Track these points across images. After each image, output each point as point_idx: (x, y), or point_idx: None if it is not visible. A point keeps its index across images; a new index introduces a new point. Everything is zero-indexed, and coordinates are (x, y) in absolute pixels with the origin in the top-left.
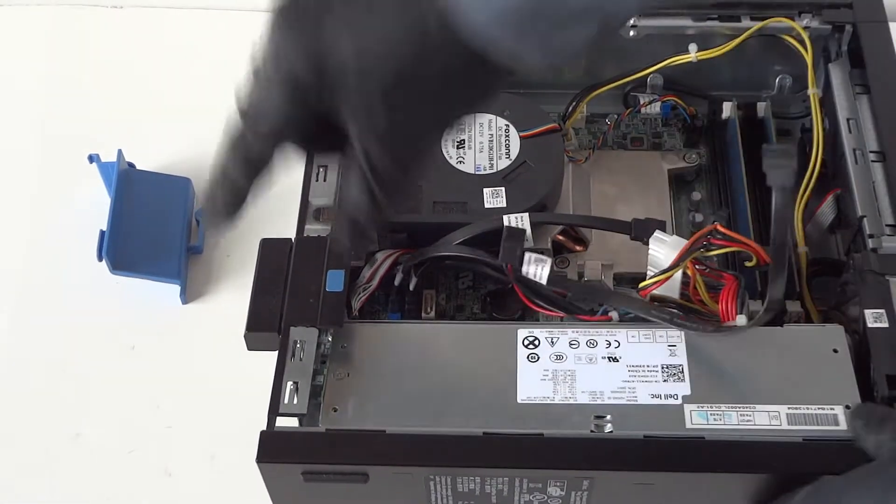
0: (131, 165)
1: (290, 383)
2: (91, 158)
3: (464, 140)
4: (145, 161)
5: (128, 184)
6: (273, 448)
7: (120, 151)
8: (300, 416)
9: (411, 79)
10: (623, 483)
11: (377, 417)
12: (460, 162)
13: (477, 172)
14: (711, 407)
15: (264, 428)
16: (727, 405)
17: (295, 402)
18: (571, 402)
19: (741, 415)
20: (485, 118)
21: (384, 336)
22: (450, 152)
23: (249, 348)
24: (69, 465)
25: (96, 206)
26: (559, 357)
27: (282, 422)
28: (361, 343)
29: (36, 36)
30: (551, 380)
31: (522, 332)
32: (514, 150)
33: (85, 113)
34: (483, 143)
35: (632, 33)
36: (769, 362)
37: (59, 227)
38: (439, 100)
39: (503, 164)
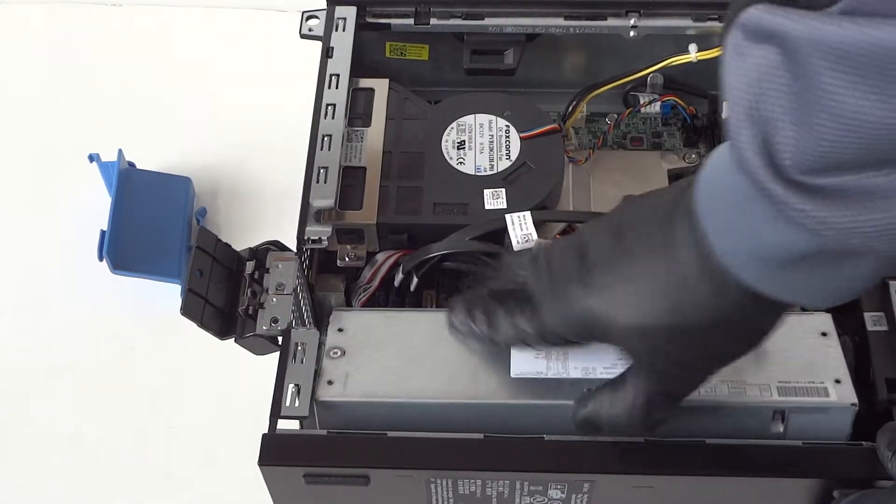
0: (131, 165)
1: (291, 386)
2: (91, 158)
3: (464, 141)
4: (145, 160)
5: (128, 183)
6: (275, 451)
7: (120, 151)
8: (301, 419)
9: (687, 331)
10: (623, 486)
11: (370, 388)
12: (461, 163)
13: (477, 173)
14: None
15: (265, 430)
16: (718, 379)
17: (296, 404)
18: (564, 376)
19: (732, 387)
20: (485, 119)
21: (380, 321)
22: (450, 153)
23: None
24: (69, 465)
25: (96, 206)
26: None
27: (283, 424)
28: (358, 326)
29: (35, 34)
30: (544, 358)
31: None
32: (515, 150)
33: (85, 113)
34: (483, 144)
35: (632, 34)
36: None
37: (59, 227)
38: (715, 344)
39: (503, 165)
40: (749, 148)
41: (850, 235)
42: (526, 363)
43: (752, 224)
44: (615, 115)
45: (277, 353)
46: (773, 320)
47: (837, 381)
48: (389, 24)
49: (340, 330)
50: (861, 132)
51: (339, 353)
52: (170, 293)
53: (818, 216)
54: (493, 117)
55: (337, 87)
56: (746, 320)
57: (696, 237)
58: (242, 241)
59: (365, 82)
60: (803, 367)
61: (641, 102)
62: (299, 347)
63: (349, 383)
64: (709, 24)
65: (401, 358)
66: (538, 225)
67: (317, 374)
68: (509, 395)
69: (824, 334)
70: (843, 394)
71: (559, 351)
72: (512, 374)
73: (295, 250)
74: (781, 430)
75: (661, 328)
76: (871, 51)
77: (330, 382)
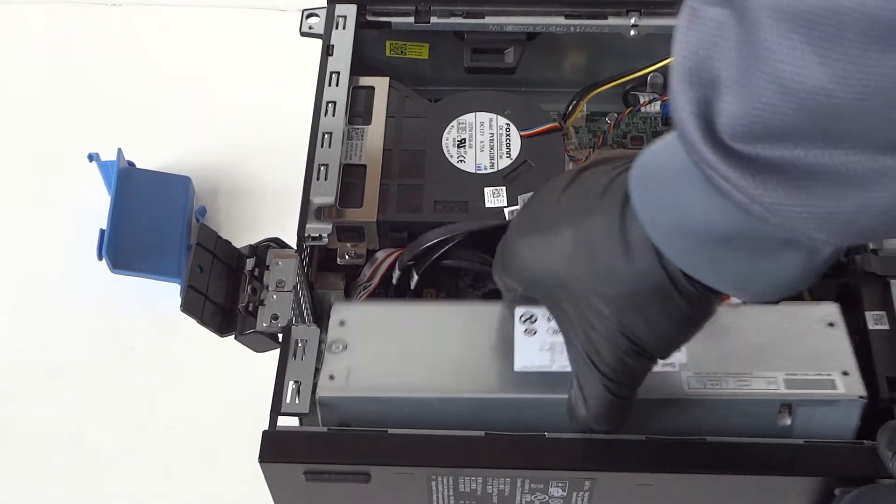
0: (131, 164)
1: (291, 383)
2: (91, 157)
3: (464, 139)
4: (145, 160)
5: (128, 182)
6: (275, 448)
7: (120, 150)
8: (302, 416)
9: (607, 299)
10: (625, 484)
11: (372, 383)
12: (461, 161)
13: (478, 171)
14: (709, 374)
15: (265, 427)
16: (724, 372)
17: (297, 401)
18: (568, 370)
19: (739, 380)
20: (485, 117)
21: (382, 314)
22: (451, 151)
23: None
24: (69, 465)
25: (96, 206)
26: (557, 331)
27: (283, 421)
28: (359, 319)
29: (35, 34)
30: (549, 350)
31: (519, 310)
32: (515, 149)
33: (85, 113)
34: (484, 142)
35: (632, 33)
36: (765, 335)
37: (58, 227)
38: (638, 322)
39: (504, 163)
40: (686, 110)
41: (780, 216)
42: (530, 356)
43: (681, 195)
44: (615, 115)
45: (277, 351)
46: (697, 308)
47: (845, 373)
48: (390, 23)
49: (342, 323)
50: (798, 97)
51: (341, 347)
52: (169, 293)
53: (746, 189)
54: (493, 115)
55: (337, 85)
56: (666, 301)
57: (624, 206)
58: (242, 240)
59: (365, 80)
60: (810, 358)
61: (642, 102)
62: (299, 344)
63: (351, 378)
64: None
65: (403, 352)
66: None
67: (317, 369)
68: (513, 390)
69: (831, 325)
70: (852, 386)
71: (563, 344)
72: (515, 368)
73: (295, 247)
74: (789, 423)
75: (579, 289)
76: (817, 10)
77: (331, 377)
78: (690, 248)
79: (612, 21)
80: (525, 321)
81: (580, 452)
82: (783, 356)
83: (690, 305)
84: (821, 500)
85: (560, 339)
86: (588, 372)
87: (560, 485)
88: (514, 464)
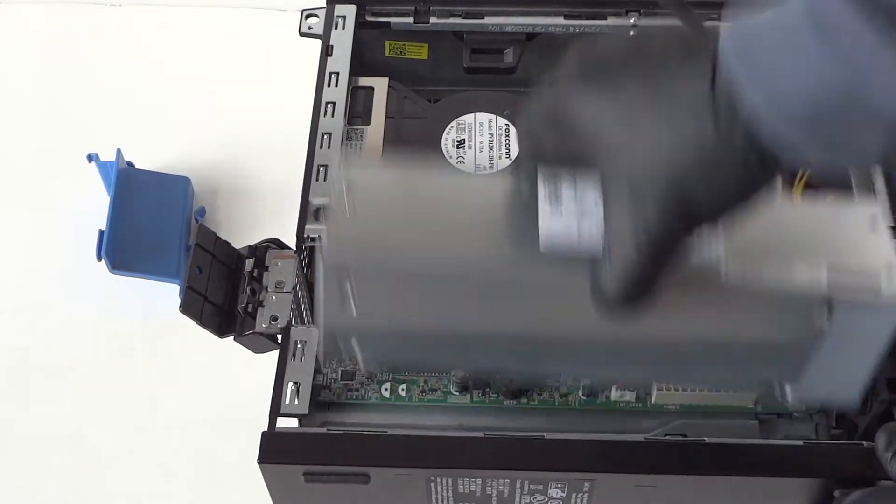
0: (130, 164)
1: (290, 384)
2: (90, 158)
3: (464, 140)
4: (144, 160)
5: (127, 183)
6: (275, 449)
7: (119, 150)
8: (301, 417)
9: (693, 180)
10: (624, 485)
11: (384, 252)
12: (460, 162)
13: (477, 172)
14: (747, 259)
15: (264, 428)
16: (764, 260)
17: (296, 402)
18: (594, 251)
19: (779, 271)
20: (485, 118)
21: (393, 178)
22: (450, 152)
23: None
24: (69, 465)
25: (96, 206)
26: (583, 212)
27: (283, 422)
28: (368, 186)
29: (35, 34)
30: (576, 228)
31: (542, 184)
32: (515, 149)
33: (84, 113)
34: (483, 143)
35: (632, 33)
36: (806, 232)
37: (58, 227)
38: (714, 197)
39: (503, 164)
40: None
41: None
42: (555, 233)
43: (790, 58)
44: None
45: (277, 352)
46: (764, 183)
47: (889, 277)
48: (389, 23)
49: (348, 188)
50: None
51: (348, 212)
52: (169, 293)
53: (876, 49)
54: (492, 116)
55: (336, 86)
56: (737, 169)
57: (714, 70)
58: (242, 240)
59: (364, 81)
60: (853, 259)
61: None
62: (298, 345)
63: (363, 244)
64: (709, 24)
65: (418, 223)
66: None
67: (316, 370)
68: (536, 269)
69: (874, 226)
70: (894, 289)
71: (590, 226)
72: (541, 245)
73: (294, 248)
74: (824, 325)
75: (644, 147)
76: None
77: (339, 240)
78: (786, 116)
79: (611, 21)
80: (549, 196)
81: (579, 453)
82: (824, 254)
83: (761, 177)
84: (820, 501)
85: (587, 218)
86: (626, 238)
87: (559, 486)
88: (514, 465)
